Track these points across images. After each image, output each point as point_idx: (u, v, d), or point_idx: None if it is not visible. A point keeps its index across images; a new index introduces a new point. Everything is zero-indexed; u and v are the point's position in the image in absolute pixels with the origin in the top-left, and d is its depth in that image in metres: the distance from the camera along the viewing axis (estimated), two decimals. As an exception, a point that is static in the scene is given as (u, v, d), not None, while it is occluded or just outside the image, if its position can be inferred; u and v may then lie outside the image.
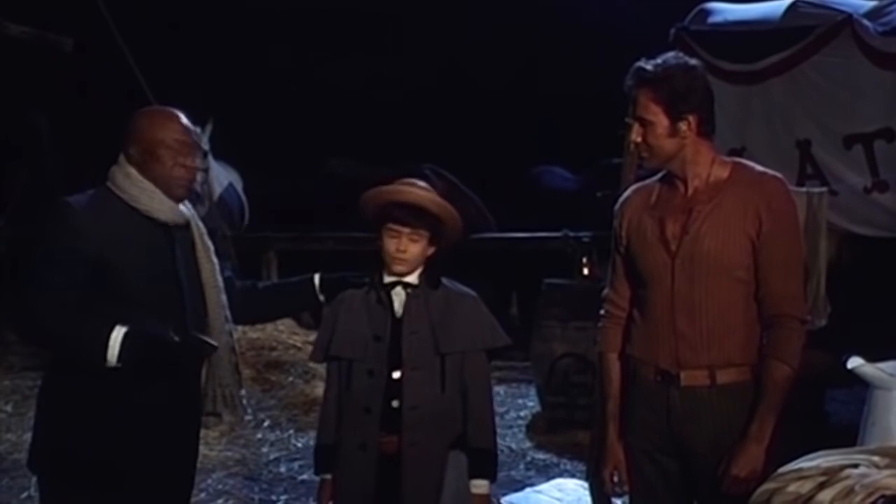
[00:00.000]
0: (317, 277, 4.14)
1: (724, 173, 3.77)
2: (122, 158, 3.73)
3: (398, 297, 3.95)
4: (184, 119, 3.80)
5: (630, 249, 3.89)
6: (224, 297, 3.86)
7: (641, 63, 3.76)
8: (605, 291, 4.08)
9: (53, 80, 10.97)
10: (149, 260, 3.65)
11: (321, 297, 4.11)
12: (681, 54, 3.80)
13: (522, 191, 11.31)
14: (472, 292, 4.06)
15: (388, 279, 3.96)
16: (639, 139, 3.76)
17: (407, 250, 3.90)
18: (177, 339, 3.53)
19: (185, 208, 3.82)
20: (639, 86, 3.72)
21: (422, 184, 3.99)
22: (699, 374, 3.73)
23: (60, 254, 3.56)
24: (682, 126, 3.70)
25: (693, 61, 3.79)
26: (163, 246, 3.70)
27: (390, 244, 3.90)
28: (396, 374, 3.88)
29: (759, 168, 3.85)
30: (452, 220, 3.96)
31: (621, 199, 4.03)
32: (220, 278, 3.87)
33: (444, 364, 3.91)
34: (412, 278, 3.96)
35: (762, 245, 3.69)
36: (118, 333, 3.49)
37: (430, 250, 3.97)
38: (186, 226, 3.80)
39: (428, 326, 3.91)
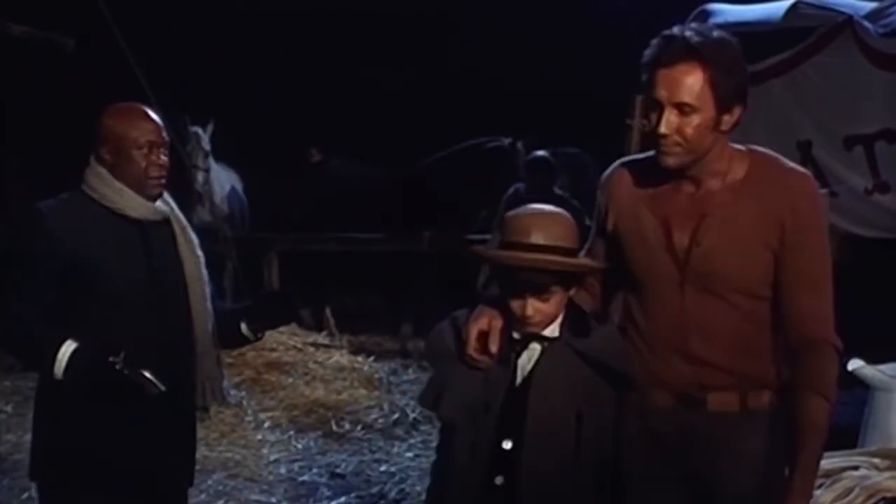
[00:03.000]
0: (244, 321, 3.87)
1: (740, 171, 3.07)
2: (92, 159, 3.71)
3: (531, 353, 3.15)
4: (152, 115, 3.72)
5: (621, 242, 3.22)
6: (208, 290, 3.85)
7: (682, 30, 2.99)
8: None
9: (55, 79, 11.00)
10: (122, 258, 3.63)
11: (251, 336, 3.89)
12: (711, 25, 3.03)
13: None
14: (613, 325, 3.27)
15: (517, 334, 3.15)
16: (668, 131, 2.97)
17: (536, 313, 3.09)
18: (125, 370, 3.48)
19: (163, 203, 3.78)
20: (686, 58, 2.93)
21: (549, 227, 3.09)
22: (729, 398, 3.12)
23: (34, 261, 3.58)
24: (726, 119, 2.99)
25: (727, 34, 3.06)
26: (136, 243, 3.68)
27: (514, 305, 3.10)
28: (507, 445, 3.12)
29: (783, 162, 3.14)
30: (585, 267, 3.18)
31: (607, 174, 3.31)
32: (204, 271, 3.83)
33: (581, 425, 3.10)
34: (550, 331, 3.14)
35: (785, 256, 3.05)
36: (67, 349, 3.49)
37: (570, 293, 3.17)
38: (165, 221, 3.78)
39: (564, 384, 3.10)
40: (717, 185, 3.06)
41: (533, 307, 3.06)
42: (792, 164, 3.15)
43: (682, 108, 2.93)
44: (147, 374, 3.50)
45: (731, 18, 7.33)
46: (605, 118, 8.08)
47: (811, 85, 6.88)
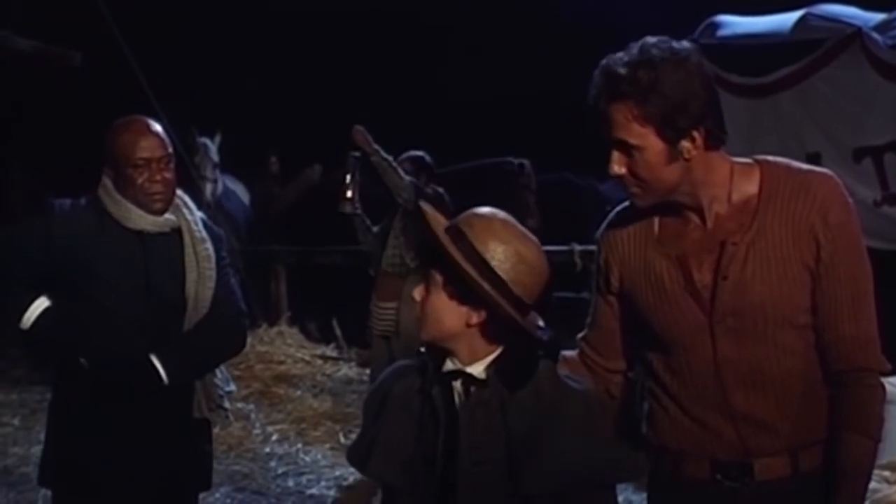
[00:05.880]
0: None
1: (750, 186, 2.69)
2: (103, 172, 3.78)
3: (458, 394, 2.60)
4: (153, 130, 3.72)
5: (633, 295, 2.80)
6: (207, 305, 3.83)
7: (610, 61, 2.62)
8: (580, 345, 2.92)
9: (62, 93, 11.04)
10: (118, 267, 3.68)
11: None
12: (665, 38, 2.64)
13: None
14: (587, 388, 2.69)
15: (445, 366, 2.59)
16: (622, 171, 2.65)
17: (417, 304, 2.61)
18: (79, 346, 3.63)
19: (177, 215, 3.78)
20: (611, 99, 2.60)
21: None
22: (779, 462, 2.70)
23: (27, 245, 3.70)
24: (685, 145, 2.60)
25: (682, 44, 2.64)
26: (136, 254, 3.72)
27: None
28: None
29: (798, 166, 2.76)
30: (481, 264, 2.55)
31: (602, 227, 2.89)
32: (210, 286, 3.81)
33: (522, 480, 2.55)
34: (476, 368, 2.58)
35: (823, 275, 2.65)
36: (41, 304, 3.65)
37: (476, 316, 2.57)
38: (175, 232, 3.77)
39: (502, 451, 2.54)
40: (725, 210, 2.69)
41: (418, 291, 2.60)
42: (808, 166, 2.79)
43: (625, 148, 2.61)
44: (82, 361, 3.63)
45: (739, 30, 7.35)
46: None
47: (820, 97, 6.88)
